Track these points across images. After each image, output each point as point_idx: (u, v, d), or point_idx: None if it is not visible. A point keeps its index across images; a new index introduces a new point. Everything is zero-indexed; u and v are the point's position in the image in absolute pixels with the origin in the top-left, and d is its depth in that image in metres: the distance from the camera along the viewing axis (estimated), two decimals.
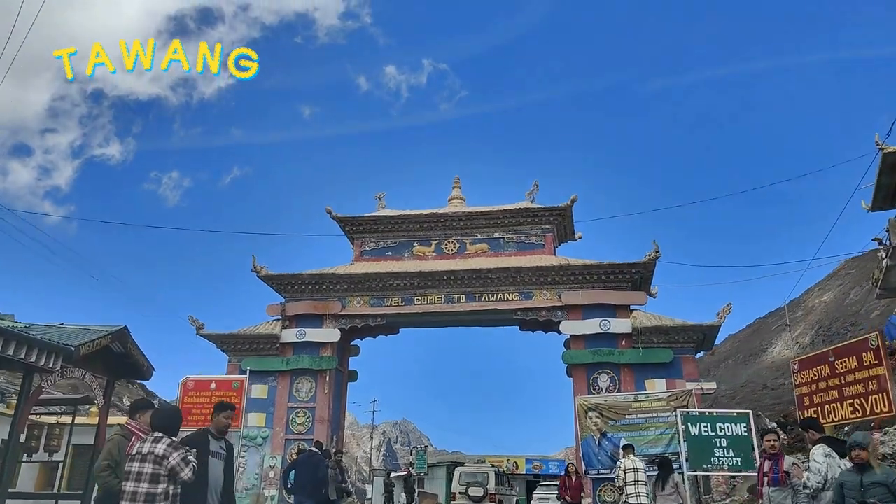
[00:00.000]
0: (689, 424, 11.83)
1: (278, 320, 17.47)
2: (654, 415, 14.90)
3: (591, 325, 15.79)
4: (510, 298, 16.51)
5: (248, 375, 16.74)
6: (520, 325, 17.79)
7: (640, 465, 10.06)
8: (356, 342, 18.68)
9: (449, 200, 18.84)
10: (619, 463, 10.26)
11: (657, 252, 15.52)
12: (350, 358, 18.53)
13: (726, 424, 11.97)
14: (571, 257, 17.02)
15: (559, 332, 17.32)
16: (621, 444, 11.93)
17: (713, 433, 11.66)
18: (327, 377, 16.51)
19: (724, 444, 11.70)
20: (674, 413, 14.83)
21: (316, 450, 8.92)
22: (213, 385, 11.42)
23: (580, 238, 18.93)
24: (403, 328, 18.49)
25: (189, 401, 13.77)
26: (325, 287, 17.20)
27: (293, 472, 8.87)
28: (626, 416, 14.91)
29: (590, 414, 15.07)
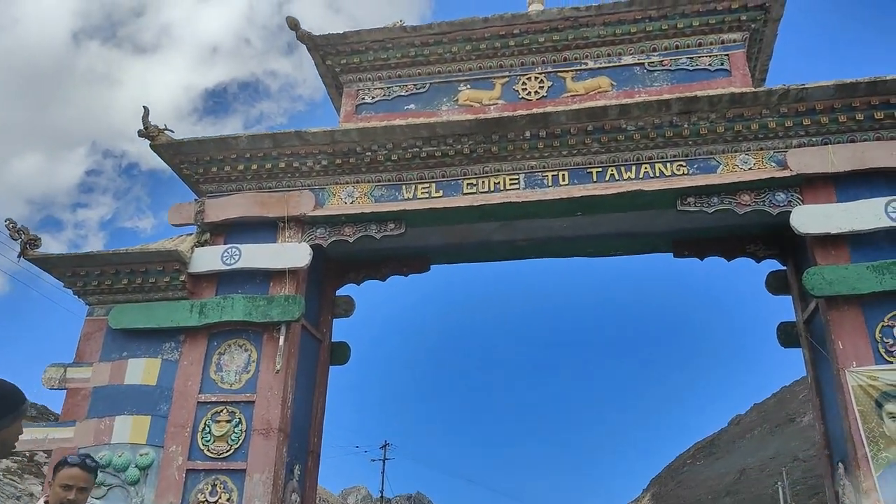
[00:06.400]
0: None
1: (190, 234, 10.01)
2: None
3: (864, 213, 8.15)
4: (669, 172, 8.89)
5: (105, 335, 9.39)
6: (677, 243, 10.11)
7: None
8: (347, 290, 11.12)
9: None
10: None
11: None
12: (335, 320, 10.94)
13: None
14: None
15: (771, 254, 9.79)
16: None
17: None
18: (281, 340, 8.91)
19: None
20: None
21: None
22: None
23: None
24: (439, 259, 10.89)
25: None
26: (282, 165, 9.73)
27: None
28: None
29: (888, 407, 7.46)
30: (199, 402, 8.87)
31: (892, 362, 7.53)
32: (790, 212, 8.37)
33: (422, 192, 9.44)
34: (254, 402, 8.75)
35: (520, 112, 9.22)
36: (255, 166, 9.81)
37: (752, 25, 9.68)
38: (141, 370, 9.18)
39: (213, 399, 8.88)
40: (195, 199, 10.05)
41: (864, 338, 7.71)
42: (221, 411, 8.79)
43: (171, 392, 8.96)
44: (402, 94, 10.41)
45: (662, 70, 9.73)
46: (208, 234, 9.80)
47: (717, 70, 9.58)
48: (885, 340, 7.66)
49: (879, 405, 7.34)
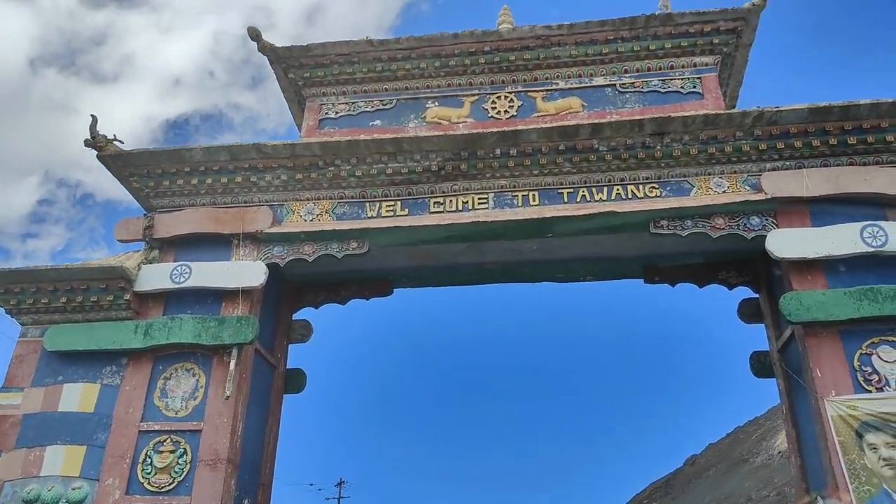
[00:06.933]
0: None
1: (138, 250, 9.47)
2: None
3: (840, 239, 8.03)
4: (642, 194, 8.71)
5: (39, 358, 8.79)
6: (648, 269, 9.92)
7: None
8: (304, 313, 10.65)
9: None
10: None
11: None
12: (291, 345, 10.43)
13: None
14: None
15: (743, 281, 9.70)
16: None
17: None
18: (232, 364, 8.36)
19: None
20: None
21: None
22: None
23: None
24: (402, 283, 10.50)
25: None
26: (239, 180, 9.29)
27: None
28: None
29: (868, 438, 7.25)
30: (140, 430, 8.24)
31: (871, 391, 7.34)
32: (765, 236, 8.22)
33: (386, 211, 9.08)
34: (201, 430, 8.15)
35: (490, 129, 8.97)
36: (209, 180, 9.34)
37: (724, 49, 9.65)
38: (77, 396, 8.53)
39: (157, 427, 8.26)
40: (144, 214, 9.52)
41: (843, 366, 7.52)
42: (165, 440, 8.17)
43: (111, 420, 8.31)
44: (368, 109, 10.09)
45: (634, 92, 9.61)
46: (157, 251, 9.27)
47: (689, 93, 9.49)
48: (864, 369, 7.48)
49: (860, 435, 7.12)
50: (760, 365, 9.43)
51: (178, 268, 8.97)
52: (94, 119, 9.42)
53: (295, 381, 10.22)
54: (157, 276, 8.95)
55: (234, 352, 8.42)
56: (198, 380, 8.49)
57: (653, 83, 9.61)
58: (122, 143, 9.52)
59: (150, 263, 9.10)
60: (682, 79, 9.58)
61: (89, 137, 9.32)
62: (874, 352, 7.55)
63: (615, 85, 9.70)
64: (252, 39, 10.11)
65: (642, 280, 10.01)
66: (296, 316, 10.54)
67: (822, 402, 7.39)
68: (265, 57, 10.18)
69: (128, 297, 8.77)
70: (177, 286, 8.86)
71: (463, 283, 10.60)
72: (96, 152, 9.33)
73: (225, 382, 8.31)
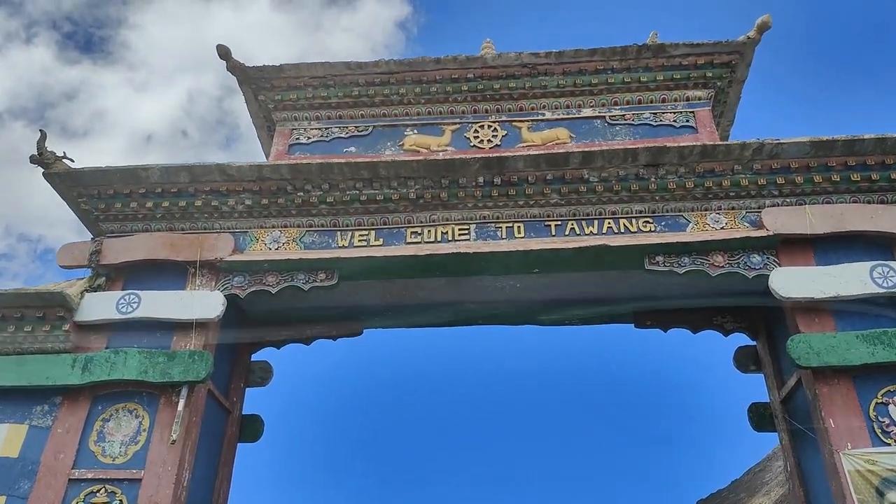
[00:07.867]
0: None
1: (82, 278, 8.61)
2: None
3: (848, 278, 7.50)
4: (635, 228, 8.15)
5: None
6: (639, 313, 9.31)
7: None
8: (264, 354, 9.78)
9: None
10: None
11: None
12: (248, 389, 9.54)
13: None
14: None
15: (740, 327, 9.23)
16: None
17: None
18: (181, 404, 7.46)
19: None
20: None
21: None
22: None
23: None
24: (373, 323, 9.73)
25: None
26: (199, 204, 8.57)
27: None
28: None
29: (890, 496, 6.67)
30: (71, 479, 7.23)
31: (889, 444, 6.69)
32: (767, 275, 7.66)
33: (359, 240, 8.39)
34: (140, 479, 7.17)
35: (473, 156, 8.39)
36: (167, 203, 8.59)
37: (718, 84, 9.28)
38: (1, 438, 7.52)
39: (90, 476, 7.26)
40: (92, 239, 8.70)
41: (858, 416, 6.87)
42: (98, 491, 7.17)
43: (37, 464, 7.31)
44: (342, 135, 9.49)
45: (624, 124, 9.15)
46: (104, 279, 8.42)
47: (682, 126, 9.06)
48: (881, 419, 6.84)
49: (881, 494, 6.43)
50: (760, 417, 8.77)
51: (126, 297, 8.12)
52: (43, 135, 8.67)
53: (251, 428, 9.29)
54: (101, 306, 8.07)
55: (184, 391, 7.52)
56: (141, 422, 7.56)
57: (644, 116, 9.17)
58: (73, 161, 8.80)
59: (95, 291, 8.25)
60: (675, 112, 9.16)
61: (36, 153, 8.56)
62: (890, 401, 6.93)
63: (605, 117, 9.24)
64: (221, 58, 9.51)
65: (633, 325, 9.39)
66: (255, 357, 9.68)
67: (837, 455, 6.71)
68: (235, 77, 9.59)
69: (67, 327, 7.87)
70: (123, 317, 7.99)
71: (439, 325, 9.86)
72: (42, 170, 8.57)
73: (172, 425, 7.38)
